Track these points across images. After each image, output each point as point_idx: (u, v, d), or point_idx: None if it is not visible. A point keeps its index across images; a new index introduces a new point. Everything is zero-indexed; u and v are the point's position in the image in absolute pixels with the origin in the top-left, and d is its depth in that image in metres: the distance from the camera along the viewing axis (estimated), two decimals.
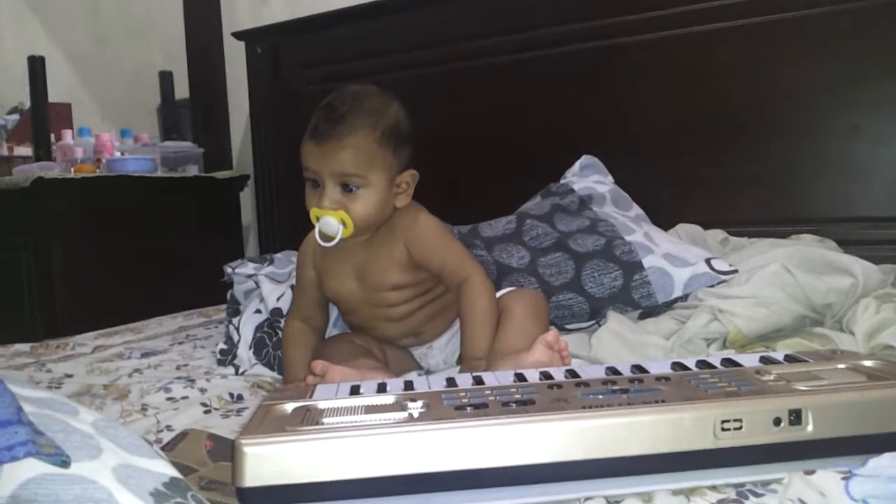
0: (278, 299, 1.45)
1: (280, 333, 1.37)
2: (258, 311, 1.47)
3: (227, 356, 1.41)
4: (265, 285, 1.50)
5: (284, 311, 1.41)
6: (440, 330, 1.29)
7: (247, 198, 2.64)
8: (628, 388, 0.78)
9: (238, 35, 2.47)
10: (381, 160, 1.14)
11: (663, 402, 0.73)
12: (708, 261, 1.38)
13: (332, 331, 1.37)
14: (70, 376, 1.37)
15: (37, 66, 2.46)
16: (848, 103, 1.63)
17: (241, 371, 1.36)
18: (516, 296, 1.24)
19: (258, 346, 1.39)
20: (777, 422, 0.71)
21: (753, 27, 1.71)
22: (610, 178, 1.73)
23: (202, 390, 1.22)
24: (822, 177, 1.66)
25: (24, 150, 3.10)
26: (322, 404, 0.79)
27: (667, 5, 1.81)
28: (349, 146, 1.12)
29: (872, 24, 1.60)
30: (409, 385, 0.87)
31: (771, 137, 1.72)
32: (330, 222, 1.13)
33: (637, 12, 1.84)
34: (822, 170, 1.67)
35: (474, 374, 0.90)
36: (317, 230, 1.16)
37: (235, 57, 2.56)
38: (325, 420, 0.73)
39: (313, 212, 1.15)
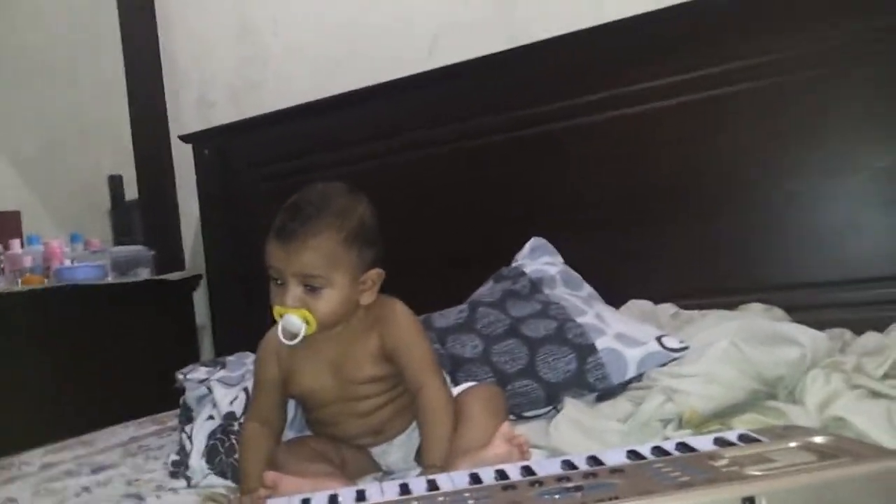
0: (231, 403, 1.42)
1: (233, 439, 1.34)
2: (211, 417, 1.43)
3: (180, 467, 1.37)
4: (218, 390, 1.47)
5: (238, 415, 1.38)
6: (401, 428, 1.27)
7: (200, 298, 2.61)
8: (582, 485, 0.77)
9: (185, 138, 2.49)
10: (344, 261, 1.14)
11: (616, 498, 0.72)
12: (659, 339, 1.39)
13: (286, 433, 1.34)
14: (13, 501, 1.31)
15: None
16: (782, 172, 1.69)
17: (193, 483, 1.32)
18: (473, 394, 1.23)
19: (211, 454, 1.35)
20: None
21: (689, 105, 1.77)
22: (559, 259, 1.75)
23: None
24: (765, 245, 1.70)
25: None
26: None
27: (606, 87, 1.87)
28: (312, 248, 1.12)
29: (799, 96, 1.67)
30: (361, 495, 0.85)
31: (713, 210, 1.76)
32: (293, 320, 1.13)
33: (578, 96, 1.90)
34: (764, 238, 1.71)
35: (429, 477, 0.88)
36: (280, 328, 1.15)
37: (184, 157, 2.58)
38: None
39: (276, 309, 1.15)
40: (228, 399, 1.43)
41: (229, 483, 1.30)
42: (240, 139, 2.41)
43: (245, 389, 1.43)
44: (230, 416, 1.39)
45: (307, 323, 1.13)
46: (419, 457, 1.21)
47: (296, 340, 1.14)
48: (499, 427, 1.10)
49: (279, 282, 1.15)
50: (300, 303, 1.13)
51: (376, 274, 1.20)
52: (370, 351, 1.20)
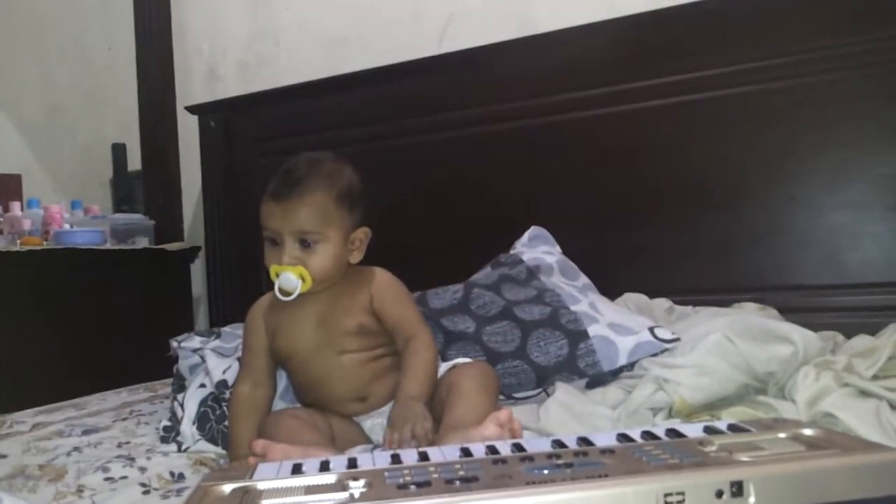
0: (224, 372, 1.43)
1: (224, 407, 1.34)
2: (203, 386, 1.44)
3: (171, 433, 1.38)
4: (211, 359, 1.48)
5: (230, 383, 1.39)
6: (387, 395, 1.27)
7: (198, 270, 2.61)
8: (573, 462, 0.77)
9: (191, 109, 2.49)
10: (337, 218, 1.22)
11: (606, 476, 0.72)
12: (651, 329, 1.39)
13: (277, 403, 1.35)
14: (4, 457, 1.32)
15: None
16: (783, 175, 1.70)
17: (183, 448, 1.33)
18: (466, 370, 1.23)
19: (202, 421, 1.36)
20: (719, 494, 0.70)
21: (691, 104, 1.79)
22: (558, 249, 1.76)
23: (142, 469, 1.18)
24: (762, 246, 1.71)
25: None
26: (261, 485, 0.76)
27: (612, 83, 1.87)
28: (308, 204, 1.19)
29: (803, 101, 1.68)
30: (352, 462, 0.85)
31: (712, 209, 1.77)
32: (289, 277, 1.19)
33: (579, 90, 1.91)
34: (762, 240, 1.72)
35: (420, 449, 0.89)
36: (276, 286, 1.21)
37: (189, 130, 2.57)
38: (264, 502, 0.71)
39: (273, 269, 1.21)
40: (221, 368, 1.44)
41: (219, 449, 1.31)
42: (246, 113, 2.41)
43: (238, 360, 1.43)
44: (222, 385, 1.40)
45: (303, 280, 1.20)
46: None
47: (291, 297, 1.20)
48: (490, 406, 1.11)
49: (275, 242, 1.21)
50: (296, 260, 1.20)
51: (363, 233, 1.28)
52: (360, 303, 1.26)
